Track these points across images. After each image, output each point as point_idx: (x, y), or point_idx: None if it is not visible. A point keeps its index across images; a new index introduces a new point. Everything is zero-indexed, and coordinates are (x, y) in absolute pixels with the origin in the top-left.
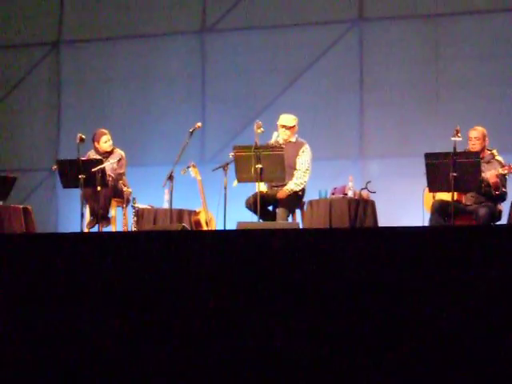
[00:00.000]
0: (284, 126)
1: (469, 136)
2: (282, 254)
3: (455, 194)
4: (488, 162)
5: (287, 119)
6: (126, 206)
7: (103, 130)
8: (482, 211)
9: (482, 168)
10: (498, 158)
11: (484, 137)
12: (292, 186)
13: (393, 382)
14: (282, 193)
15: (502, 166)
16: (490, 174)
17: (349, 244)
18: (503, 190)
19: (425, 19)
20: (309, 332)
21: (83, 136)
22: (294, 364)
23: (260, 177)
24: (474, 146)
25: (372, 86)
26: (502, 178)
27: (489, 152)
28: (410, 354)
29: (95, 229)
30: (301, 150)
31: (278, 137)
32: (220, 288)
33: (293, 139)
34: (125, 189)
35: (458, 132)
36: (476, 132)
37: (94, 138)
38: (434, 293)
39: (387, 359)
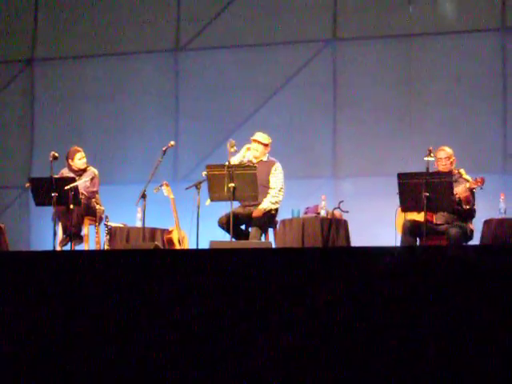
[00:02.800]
0: (258, 142)
1: (438, 156)
2: (254, 273)
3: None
4: (456, 181)
5: (262, 136)
6: (99, 224)
7: (77, 148)
8: (454, 231)
9: None
10: (466, 176)
11: (451, 156)
12: (268, 204)
13: None
14: (258, 211)
15: (469, 182)
16: (460, 188)
17: (321, 263)
18: (473, 206)
19: (398, 39)
20: (280, 351)
21: (56, 154)
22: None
23: (233, 196)
24: (445, 166)
25: (345, 106)
26: (471, 194)
27: (456, 171)
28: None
29: (68, 247)
30: (273, 169)
31: (248, 152)
32: (192, 306)
33: (264, 158)
34: (97, 207)
35: (430, 152)
36: (444, 152)
37: (68, 156)
38: (405, 312)
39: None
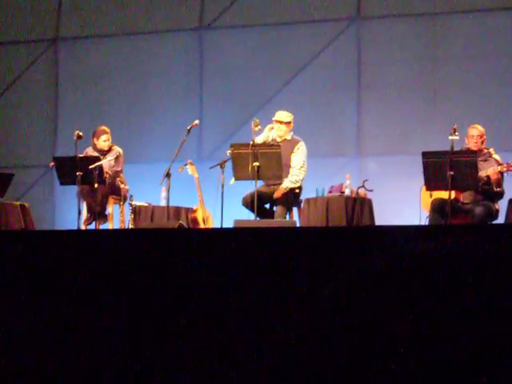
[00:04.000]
0: (280, 122)
1: (469, 134)
2: (279, 252)
3: (453, 192)
4: (485, 161)
5: (283, 115)
6: (123, 203)
7: (105, 128)
8: (478, 210)
9: (480, 166)
10: (495, 156)
11: (483, 135)
12: (287, 183)
13: None
14: (279, 192)
15: (499, 164)
16: (492, 169)
17: (345, 242)
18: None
19: (422, 18)
20: (304, 330)
21: (80, 133)
22: (291, 362)
23: (257, 175)
24: (476, 144)
25: (370, 84)
26: (500, 175)
27: (486, 150)
28: (405, 355)
29: (92, 226)
30: (296, 147)
31: (271, 132)
32: (217, 286)
33: (288, 137)
34: (122, 186)
35: (455, 130)
36: (477, 130)
37: (94, 135)
38: (431, 292)
39: (382, 361)
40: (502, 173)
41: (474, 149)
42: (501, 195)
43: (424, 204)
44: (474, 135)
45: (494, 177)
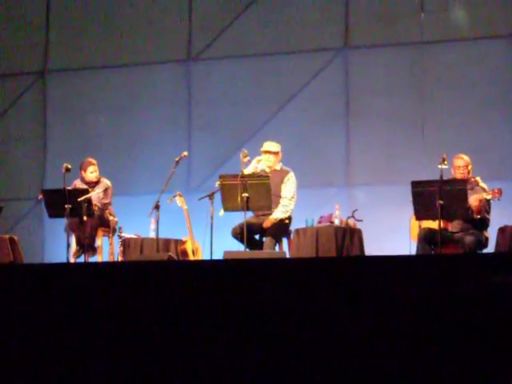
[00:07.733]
0: (268, 152)
1: (455, 164)
2: (268, 283)
3: (442, 221)
4: (472, 189)
5: (271, 145)
6: (113, 235)
7: (91, 160)
8: (469, 239)
9: None
10: (482, 184)
11: (469, 164)
12: (278, 214)
13: None
14: (268, 222)
15: (486, 192)
16: (472, 198)
17: (336, 273)
18: (486, 215)
19: (410, 47)
20: (293, 359)
21: (69, 166)
22: None
23: (246, 206)
24: (463, 174)
25: (358, 114)
26: (486, 203)
27: (473, 179)
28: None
29: (81, 259)
30: (286, 178)
31: (260, 164)
32: (207, 317)
33: (277, 167)
34: (111, 218)
35: (444, 160)
36: (463, 161)
37: (82, 167)
38: (421, 320)
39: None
40: (487, 200)
41: (459, 179)
42: (485, 223)
43: (413, 234)
44: (459, 166)
45: (474, 204)
